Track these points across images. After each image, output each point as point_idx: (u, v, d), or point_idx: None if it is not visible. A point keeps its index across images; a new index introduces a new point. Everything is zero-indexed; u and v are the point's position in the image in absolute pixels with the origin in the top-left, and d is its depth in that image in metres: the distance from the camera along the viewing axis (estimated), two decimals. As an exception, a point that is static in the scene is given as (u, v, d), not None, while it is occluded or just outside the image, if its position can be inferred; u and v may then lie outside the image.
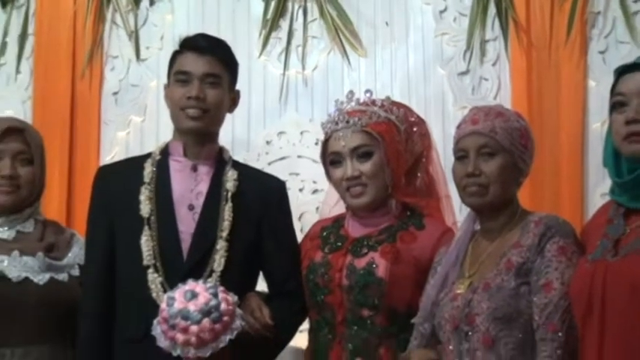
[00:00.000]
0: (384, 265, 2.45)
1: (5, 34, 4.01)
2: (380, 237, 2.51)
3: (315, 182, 3.56)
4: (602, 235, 2.12)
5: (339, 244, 2.54)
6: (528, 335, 2.16)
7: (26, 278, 2.55)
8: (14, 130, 2.66)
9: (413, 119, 2.64)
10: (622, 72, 2.13)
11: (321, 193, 3.37)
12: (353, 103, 2.58)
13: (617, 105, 2.10)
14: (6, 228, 2.62)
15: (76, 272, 2.63)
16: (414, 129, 2.62)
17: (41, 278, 2.56)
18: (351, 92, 2.63)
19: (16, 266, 2.55)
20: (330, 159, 2.56)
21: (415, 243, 2.49)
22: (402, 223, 2.54)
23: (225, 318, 2.31)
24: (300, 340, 2.69)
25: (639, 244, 2.01)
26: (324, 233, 2.62)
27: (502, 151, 2.27)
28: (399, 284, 2.44)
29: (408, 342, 2.39)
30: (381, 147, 2.49)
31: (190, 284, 2.35)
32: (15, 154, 2.62)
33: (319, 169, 2.76)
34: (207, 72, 2.58)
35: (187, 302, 2.29)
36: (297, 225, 2.90)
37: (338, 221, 2.63)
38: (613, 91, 2.13)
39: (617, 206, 2.13)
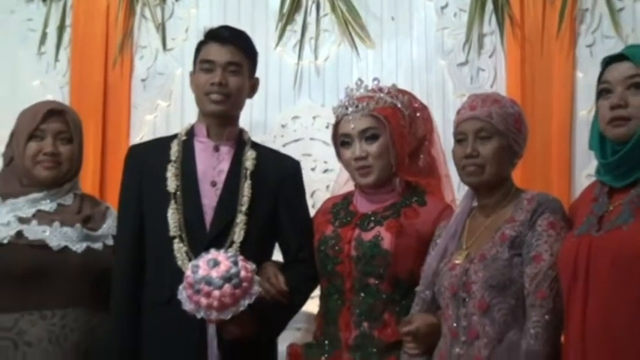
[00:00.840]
0: (389, 238, 2.45)
1: (45, 25, 3.99)
2: (385, 213, 2.51)
3: (326, 162, 3.57)
4: (588, 212, 2.12)
5: (349, 218, 2.54)
6: (520, 302, 2.17)
7: (65, 247, 2.56)
8: (55, 111, 2.67)
9: (416, 105, 2.64)
10: (608, 62, 2.13)
11: (332, 173, 3.37)
12: (361, 90, 2.57)
13: (602, 92, 2.11)
14: (48, 201, 2.63)
15: (109, 242, 2.64)
16: (417, 114, 2.62)
17: (79, 247, 2.58)
18: (360, 80, 2.62)
19: (57, 236, 2.57)
20: (341, 140, 2.56)
21: (418, 218, 2.49)
22: (406, 200, 2.53)
23: (245, 284, 2.33)
24: (312, 305, 2.70)
25: (621, 221, 2.01)
26: (335, 209, 2.61)
27: (498, 134, 2.27)
28: (402, 255, 2.44)
29: (410, 308, 2.40)
30: (387, 130, 2.49)
31: (213, 253, 2.36)
32: (56, 133, 2.63)
33: (330, 151, 2.76)
34: (229, 60, 2.58)
35: (210, 269, 2.31)
36: (309, 201, 2.91)
37: (347, 198, 2.63)
38: (599, 80, 2.14)
39: (602, 185, 2.13)
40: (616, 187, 2.09)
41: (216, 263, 2.32)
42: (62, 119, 2.66)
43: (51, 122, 2.64)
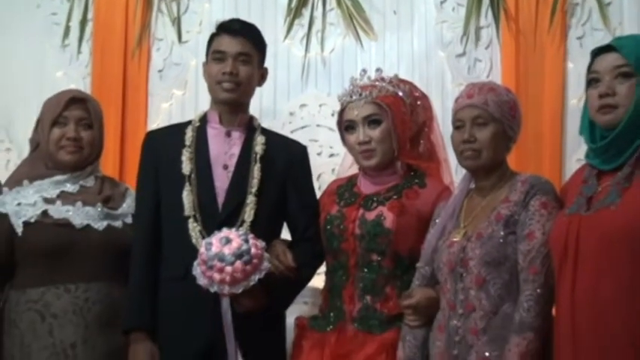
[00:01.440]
0: (391, 217, 2.44)
1: (69, 19, 3.98)
2: (388, 194, 2.51)
3: (331, 147, 3.55)
4: (577, 193, 2.12)
5: (353, 199, 2.54)
6: (513, 277, 2.17)
7: (88, 225, 2.57)
8: (77, 99, 2.66)
9: (417, 94, 2.62)
10: (596, 53, 2.13)
11: (337, 157, 3.36)
12: (365, 79, 2.57)
13: (592, 81, 2.10)
14: (71, 183, 2.63)
15: (129, 220, 2.64)
16: (418, 102, 2.60)
17: (100, 225, 2.58)
18: (364, 70, 2.61)
19: (79, 215, 2.57)
20: (345, 126, 2.55)
21: (418, 199, 2.48)
22: (407, 182, 2.53)
23: (255, 261, 2.33)
24: (318, 281, 2.70)
25: (609, 201, 2.01)
26: (340, 190, 2.61)
27: (493, 120, 2.26)
28: (403, 233, 2.44)
29: (411, 282, 2.39)
30: (389, 116, 2.48)
31: (225, 232, 2.37)
32: (78, 119, 2.62)
33: (335, 136, 2.74)
34: (239, 51, 2.57)
35: (223, 247, 2.31)
36: (316, 184, 2.90)
37: (352, 180, 2.62)
38: (589, 70, 2.13)
39: (591, 168, 2.13)
40: (604, 170, 2.08)
41: (228, 241, 2.33)
42: (83, 107, 2.65)
43: (73, 109, 2.63)
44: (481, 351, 2.15)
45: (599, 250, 1.99)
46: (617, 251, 1.96)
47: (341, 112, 2.58)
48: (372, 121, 2.49)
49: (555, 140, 3.51)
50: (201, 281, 2.34)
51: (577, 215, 2.06)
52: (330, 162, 3.52)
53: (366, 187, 2.56)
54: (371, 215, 2.48)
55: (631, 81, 2.03)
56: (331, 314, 2.49)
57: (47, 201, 2.58)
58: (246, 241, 2.35)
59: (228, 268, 2.30)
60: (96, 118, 2.67)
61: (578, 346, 2.00)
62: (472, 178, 2.36)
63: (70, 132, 2.61)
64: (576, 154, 3.44)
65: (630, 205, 1.97)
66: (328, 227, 2.53)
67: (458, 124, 2.31)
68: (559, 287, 2.08)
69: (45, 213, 2.56)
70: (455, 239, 2.28)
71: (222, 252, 2.31)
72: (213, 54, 2.61)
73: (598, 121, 2.08)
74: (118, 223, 2.62)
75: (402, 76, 2.72)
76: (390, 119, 2.48)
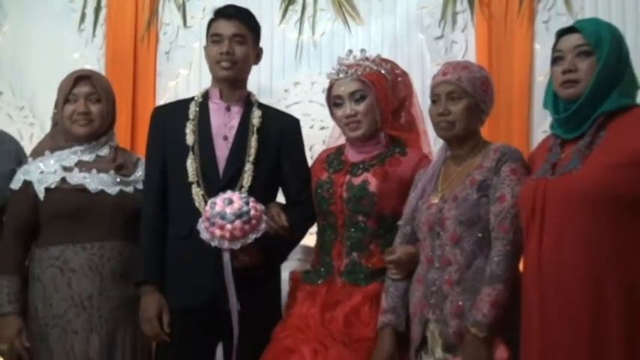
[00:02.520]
0: (374, 182, 2.43)
1: (84, 7, 3.93)
2: (372, 161, 2.49)
3: (322, 121, 3.52)
4: (544, 160, 2.11)
5: (341, 166, 2.52)
6: (485, 235, 2.17)
7: (102, 190, 2.55)
8: (83, 77, 2.63)
9: (398, 72, 2.60)
10: (561, 34, 2.12)
11: (327, 130, 3.29)
12: (351, 59, 2.54)
13: (556, 59, 2.09)
14: (87, 153, 2.60)
15: (140, 186, 2.62)
16: (399, 79, 2.58)
17: (113, 190, 2.57)
18: (350, 51, 2.59)
19: (94, 181, 2.55)
20: (334, 101, 2.53)
21: (400, 166, 2.47)
22: (390, 151, 2.51)
23: (253, 221, 2.33)
24: (310, 240, 2.69)
25: (571, 166, 2.01)
26: (329, 159, 2.59)
27: (466, 95, 2.25)
28: (386, 196, 2.43)
29: (393, 240, 2.39)
30: (372, 92, 2.46)
31: (229, 193, 2.37)
32: (86, 95, 2.60)
33: (325, 111, 2.71)
34: (234, 33, 2.54)
35: (225, 206, 2.31)
36: (308, 154, 2.87)
37: (340, 149, 2.60)
38: (554, 49, 2.12)
39: (556, 138, 2.12)
40: (567, 139, 2.08)
41: (230, 202, 2.33)
42: (90, 83, 2.62)
43: (81, 86, 2.61)
44: (455, 300, 2.16)
45: (562, 209, 1.98)
46: (578, 211, 1.96)
47: (329, 89, 2.55)
48: (357, 97, 2.47)
49: (523, 113, 3.51)
50: (204, 236, 2.34)
51: (543, 179, 2.06)
52: (320, 134, 3.49)
53: (352, 155, 2.54)
54: (357, 180, 2.46)
55: (591, 59, 2.02)
56: (322, 269, 2.48)
57: (66, 169, 2.56)
58: (247, 203, 2.34)
59: (229, 226, 2.30)
60: (103, 93, 2.63)
61: (545, 297, 1.99)
62: (448, 147, 2.34)
63: (80, 107, 2.59)
64: (542, 126, 3.45)
65: (590, 169, 1.97)
66: (319, 191, 2.52)
67: (434, 99, 2.30)
68: (527, 243, 2.08)
69: (64, 180, 2.55)
70: (433, 201, 2.27)
71: (224, 211, 2.31)
72: (212, 37, 2.58)
73: (561, 95, 2.08)
74: (129, 189, 2.60)
75: (386, 56, 2.70)
76: (374, 95, 2.47)
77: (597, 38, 2.04)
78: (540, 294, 2.01)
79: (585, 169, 1.98)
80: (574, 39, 2.06)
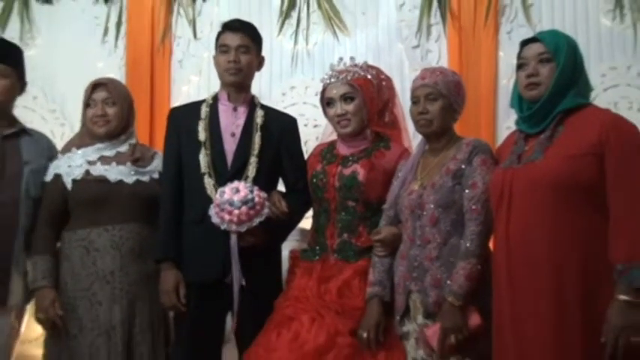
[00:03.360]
0: (362, 172, 2.42)
1: (107, 21, 3.90)
2: (360, 154, 2.47)
3: (315, 120, 3.50)
4: (510, 152, 2.11)
5: (333, 159, 2.51)
6: (459, 217, 2.17)
7: (120, 180, 2.53)
8: (100, 84, 2.60)
9: (382, 76, 2.58)
10: (524, 43, 2.12)
11: (319, 128, 3.31)
12: (342, 66, 2.53)
13: (521, 65, 2.09)
14: (109, 149, 2.58)
15: (155, 176, 2.59)
16: (383, 83, 2.56)
17: (130, 179, 2.54)
18: (341, 58, 2.58)
19: (114, 172, 2.53)
20: (326, 102, 2.51)
21: (384, 158, 2.45)
22: (375, 145, 2.49)
23: (258, 207, 2.33)
24: (306, 223, 2.67)
25: (534, 157, 2.01)
26: (323, 152, 2.57)
27: (442, 96, 2.25)
28: (372, 185, 2.41)
29: (379, 222, 2.38)
30: (360, 94, 2.45)
31: (236, 183, 2.36)
32: (103, 99, 2.56)
33: (318, 112, 2.70)
34: (239, 44, 2.52)
35: (233, 195, 2.31)
36: (303, 148, 2.82)
37: (332, 144, 2.58)
38: (518, 56, 2.12)
39: (520, 132, 2.12)
40: (530, 134, 2.08)
41: (237, 190, 2.33)
42: (106, 89, 2.58)
43: (98, 92, 2.57)
44: (434, 274, 2.16)
45: (527, 194, 1.98)
46: (541, 195, 1.96)
47: (323, 92, 2.53)
48: (347, 98, 2.45)
49: (490, 112, 3.50)
50: (215, 220, 2.34)
51: (510, 168, 2.06)
52: (314, 131, 3.46)
53: (343, 149, 2.52)
54: (347, 171, 2.45)
55: (550, 65, 2.03)
56: (317, 248, 2.46)
57: (89, 163, 2.54)
58: (252, 191, 2.34)
59: (236, 211, 2.30)
60: (118, 97, 2.59)
61: (513, 270, 2.00)
62: (426, 141, 2.33)
63: (98, 110, 2.56)
64: (506, 122, 3.46)
65: (551, 159, 1.98)
66: (314, 181, 2.50)
67: (414, 100, 2.29)
68: (496, 224, 2.08)
69: (88, 172, 2.53)
70: (414, 188, 2.26)
71: (232, 198, 2.31)
72: (220, 47, 2.55)
73: (525, 96, 2.07)
74: (145, 178, 2.57)
75: (370, 63, 2.66)
76: (361, 96, 2.45)
77: (556, 47, 2.04)
78: (509, 268, 2.01)
79: (546, 159, 1.98)
80: (536, 47, 2.06)
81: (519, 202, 2.00)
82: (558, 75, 2.02)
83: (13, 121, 2.65)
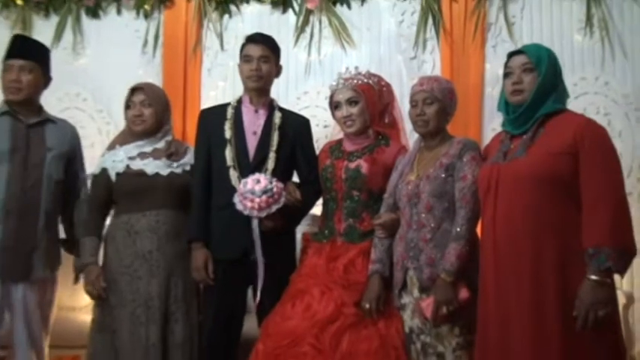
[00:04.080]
0: (365, 166, 2.40)
1: (147, 34, 3.87)
2: (363, 151, 2.45)
3: (325, 121, 3.45)
4: (497, 150, 2.09)
5: (340, 154, 2.48)
6: (451, 205, 2.16)
7: (156, 172, 2.51)
8: (137, 88, 2.58)
9: (383, 83, 2.55)
10: (510, 55, 2.10)
11: (329, 128, 3.25)
12: (348, 74, 2.51)
13: (507, 74, 2.07)
14: (147, 145, 2.56)
15: (187, 168, 2.57)
16: (384, 89, 2.53)
17: (165, 172, 2.52)
18: (347, 68, 2.56)
19: (150, 166, 2.52)
20: (334, 105, 2.49)
21: (384, 154, 2.43)
22: (377, 143, 2.46)
23: (276, 196, 2.32)
24: (317, 209, 2.66)
25: (518, 154, 1.99)
26: (332, 149, 2.54)
27: (437, 101, 2.23)
28: (374, 177, 2.39)
29: (379, 209, 2.36)
30: (363, 98, 2.43)
31: (257, 175, 2.35)
32: (140, 102, 2.54)
33: (327, 114, 2.68)
34: (261, 54, 2.50)
35: (254, 185, 2.30)
36: (315, 145, 2.82)
37: (339, 142, 2.56)
38: (505, 66, 2.09)
39: (506, 133, 2.10)
40: (515, 134, 2.05)
41: (258, 181, 2.32)
42: (143, 92, 2.55)
43: (135, 95, 2.55)
44: (429, 253, 2.15)
45: (512, 186, 1.97)
46: (523, 187, 1.94)
47: (331, 96, 2.51)
48: (351, 102, 2.43)
49: (477, 115, 3.47)
50: (238, 207, 2.33)
51: (497, 164, 2.04)
52: (324, 131, 3.43)
53: (348, 146, 2.50)
54: (352, 165, 2.43)
55: (533, 74, 2.01)
56: (326, 231, 2.45)
57: (130, 158, 2.53)
58: (271, 182, 2.33)
59: (257, 200, 2.29)
60: (154, 99, 2.56)
61: (498, 252, 1.99)
62: (422, 140, 2.32)
63: (135, 111, 2.54)
64: (491, 124, 3.44)
65: (532, 157, 1.96)
66: (324, 173, 2.49)
67: (413, 104, 2.27)
68: (484, 213, 2.06)
69: (128, 166, 2.52)
70: (411, 179, 2.24)
71: (254, 188, 2.30)
72: (244, 57, 2.53)
73: (511, 101, 2.05)
74: (178, 170, 2.55)
75: (373, 72, 2.65)
76: (364, 100, 2.43)
77: (538, 58, 2.01)
78: (494, 250, 1.99)
79: (529, 157, 1.97)
80: (520, 59, 2.04)
81: (504, 194, 1.98)
82: (539, 83, 1.99)
83: (39, 110, 2.59)
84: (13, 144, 2.45)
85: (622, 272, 1.87)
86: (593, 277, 1.81)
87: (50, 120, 2.60)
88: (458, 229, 2.11)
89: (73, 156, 2.62)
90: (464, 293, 2.07)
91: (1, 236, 2.39)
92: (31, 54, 2.53)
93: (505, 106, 2.10)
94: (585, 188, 1.88)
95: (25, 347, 2.48)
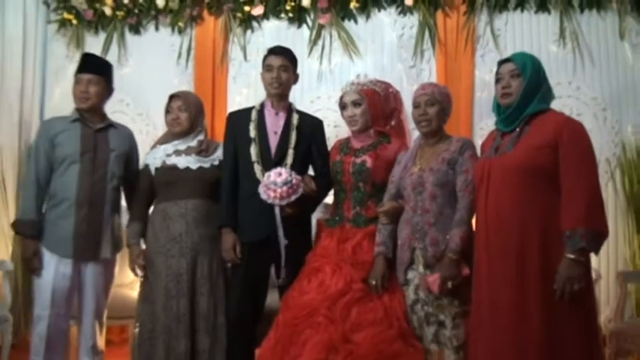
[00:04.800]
0: (370, 161, 2.37)
1: (181, 47, 3.84)
2: (368, 148, 2.42)
3: (335, 122, 3.44)
4: (490, 146, 2.07)
5: (348, 151, 2.45)
6: (452, 194, 2.15)
7: (187, 167, 2.51)
8: (175, 95, 2.59)
9: (390, 90, 2.50)
10: (500, 63, 2.08)
11: (339, 128, 3.31)
12: (357, 79, 2.48)
13: (498, 80, 2.05)
14: (182, 144, 2.56)
15: (216, 163, 2.55)
16: (391, 95, 2.49)
17: (195, 166, 2.52)
18: (358, 75, 2.54)
19: (182, 161, 2.52)
20: (342, 106, 2.47)
21: (387, 150, 2.40)
22: (379, 141, 2.43)
23: (295, 187, 2.30)
24: (329, 199, 2.62)
25: (507, 149, 1.98)
26: (341, 146, 2.52)
27: (437, 103, 2.21)
28: (377, 171, 2.37)
29: (382, 199, 2.35)
30: (366, 101, 2.40)
31: (279, 169, 2.33)
32: (177, 107, 2.55)
33: (338, 116, 2.65)
34: (280, 64, 2.48)
35: (276, 177, 2.28)
36: (327, 143, 2.82)
37: (347, 139, 2.53)
38: (497, 73, 2.08)
39: (498, 130, 2.08)
40: (505, 131, 2.03)
41: (280, 174, 2.30)
42: (180, 99, 2.56)
43: (173, 102, 2.56)
44: (433, 235, 2.14)
45: (500, 177, 1.95)
46: (510, 178, 1.93)
47: (341, 97, 2.49)
48: (356, 104, 2.41)
49: (468, 116, 3.44)
50: (262, 196, 2.31)
51: (489, 158, 2.03)
52: (335, 130, 3.41)
53: (355, 143, 2.47)
54: (358, 160, 2.40)
55: (520, 79, 1.99)
56: (337, 217, 2.44)
57: (167, 155, 2.54)
58: (291, 175, 2.31)
59: (278, 190, 2.27)
60: (188, 104, 2.56)
61: (489, 237, 1.98)
62: (422, 138, 2.29)
63: (173, 115, 2.55)
64: (480, 124, 3.42)
65: (519, 150, 1.95)
66: (334, 168, 2.46)
67: (416, 105, 2.24)
68: (478, 201, 2.05)
69: (164, 162, 2.52)
70: (414, 171, 2.22)
71: (275, 180, 2.28)
72: (266, 67, 2.51)
73: (501, 103, 2.04)
74: (206, 164, 2.53)
75: (382, 80, 2.60)
76: (367, 103, 2.40)
77: (524, 65, 2.00)
78: (486, 234, 1.98)
79: (515, 151, 1.95)
80: (509, 66, 2.03)
81: (495, 184, 1.97)
82: (525, 87, 1.98)
83: (104, 117, 2.62)
84: (83, 146, 2.49)
85: (595, 251, 1.86)
86: (570, 255, 1.81)
87: (112, 125, 2.63)
88: (460, 214, 2.09)
89: (130, 155, 2.64)
90: (466, 270, 2.06)
91: (74, 224, 2.44)
92: (97, 69, 2.57)
93: (497, 107, 2.08)
94: (563, 177, 1.86)
95: (92, 317, 2.52)
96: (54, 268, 2.44)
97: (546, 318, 1.81)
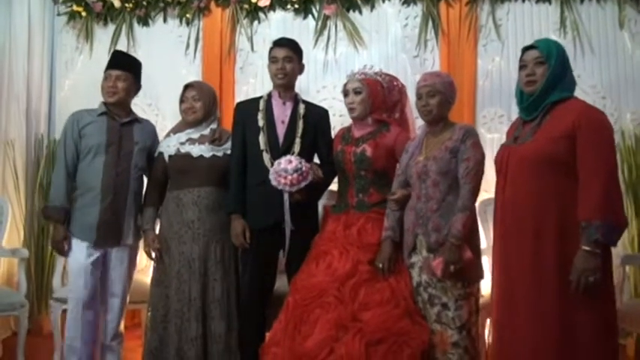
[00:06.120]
0: (370, 150, 2.38)
1: (189, 38, 3.86)
2: (368, 136, 2.43)
3: (340, 111, 3.45)
4: (512, 134, 2.06)
5: (349, 140, 2.46)
6: (454, 182, 2.14)
7: (201, 155, 2.53)
8: (189, 85, 2.62)
9: (395, 83, 2.50)
10: (524, 50, 2.02)
11: (343, 117, 3.30)
12: (361, 69, 2.49)
13: (522, 67, 2.01)
14: (195, 133, 2.58)
15: (228, 152, 2.58)
16: (396, 88, 2.50)
17: (207, 154, 2.54)
18: (365, 65, 2.55)
19: (196, 150, 2.54)
20: (344, 93, 2.47)
21: (386, 138, 2.40)
22: (379, 129, 2.43)
23: (305, 174, 2.33)
24: (334, 186, 2.65)
25: (526, 138, 1.96)
26: (343, 135, 2.53)
27: (439, 93, 2.20)
28: (377, 159, 2.38)
29: (383, 185, 2.36)
30: (366, 90, 2.41)
31: (289, 156, 2.35)
32: (191, 97, 2.58)
33: (342, 105, 2.66)
34: (285, 55, 2.48)
35: (287, 164, 2.31)
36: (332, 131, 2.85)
37: (349, 128, 2.54)
38: (520, 60, 2.03)
39: (520, 119, 2.05)
40: (527, 120, 2.00)
41: (290, 161, 2.33)
42: (194, 89, 2.59)
43: (188, 92, 2.59)
44: (435, 221, 2.15)
45: (518, 167, 1.94)
46: (528, 167, 1.92)
47: (344, 86, 2.50)
48: (356, 92, 2.42)
49: (471, 104, 3.45)
50: (273, 183, 2.33)
51: (509, 147, 2.01)
52: (339, 119, 3.43)
53: (356, 132, 2.47)
54: (359, 149, 2.41)
55: (544, 66, 1.94)
56: (342, 204, 2.46)
57: (180, 143, 2.56)
58: (300, 162, 2.33)
59: (289, 177, 2.30)
60: (201, 94, 2.59)
61: (505, 225, 1.98)
62: (428, 126, 2.29)
63: (187, 104, 2.57)
64: (482, 112, 3.44)
65: (538, 140, 1.92)
66: (337, 157, 2.47)
67: (419, 96, 2.23)
68: (497, 189, 2.04)
69: (178, 150, 2.54)
70: (419, 159, 2.23)
71: (286, 167, 2.30)
72: (271, 58, 2.52)
73: (525, 91, 1.99)
74: (219, 153, 2.56)
75: (382, 69, 2.61)
76: (367, 92, 2.40)
77: (548, 52, 1.95)
78: (502, 220, 1.98)
79: (534, 141, 1.93)
80: (533, 53, 1.97)
81: (512, 174, 1.95)
82: (549, 74, 1.92)
83: (130, 112, 2.67)
84: (109, 139, 2.53)
85: (613, 243, 1.80)
86: (585, 247, 1.77)
87: (137, 120, 2.67)
88: (462, 202, 2.10)
89: (153, 148, 2.67)
90: (468, 254, 2.07)
91: (100, 212, 2.48)
92: (125, 66, 2.61)
93: (520, 95, 2.02)
94: (580, 168, 1.81)
95: (118, 301, 2.59)
96: (85, 254, 2.50)
97: (563, 309, 1.79)
